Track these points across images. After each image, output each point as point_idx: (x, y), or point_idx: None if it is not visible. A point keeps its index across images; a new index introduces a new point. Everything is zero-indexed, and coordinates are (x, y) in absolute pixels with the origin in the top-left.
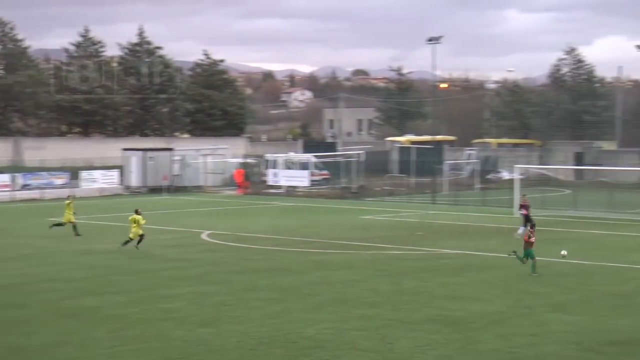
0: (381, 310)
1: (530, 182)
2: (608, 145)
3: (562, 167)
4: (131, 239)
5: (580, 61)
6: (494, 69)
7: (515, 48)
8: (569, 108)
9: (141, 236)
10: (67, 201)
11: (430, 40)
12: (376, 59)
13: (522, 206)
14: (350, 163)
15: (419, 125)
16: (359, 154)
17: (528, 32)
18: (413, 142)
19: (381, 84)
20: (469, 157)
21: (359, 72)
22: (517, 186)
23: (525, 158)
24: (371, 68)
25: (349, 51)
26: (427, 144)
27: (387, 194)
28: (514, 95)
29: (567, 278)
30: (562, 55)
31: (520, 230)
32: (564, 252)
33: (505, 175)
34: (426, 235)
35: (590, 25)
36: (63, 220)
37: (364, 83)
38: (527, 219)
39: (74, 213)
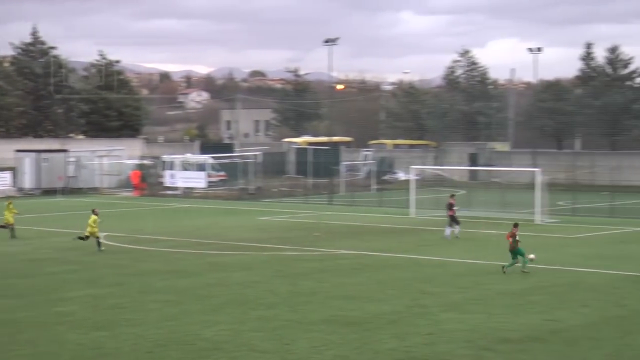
0: (278, 311)
1: (426, 182)
2: (501, 146)
3: (456, 168)
4: (95, 238)
5: (474, 63)
6: (390, 70)
7: (411, 50)
8: (464, 109)
9: (90, 236)
10: (7, 202)
11: (326, 41)
12: (273, 60)
13: (450, 205)
14: (247, 164)
15: (316, 126)
16: (256, 155)
17: (423, 34)
18: (310, 143)
19: (278, 85)
20: (365, 158)
21: (256, 74)
22: (412, 187)
23: (421, 159)
24: (268, 69)
25: (246, 52)
26: (323, 145)
27: (284, 195)
28: (409, 96)
29: (462, 278)
30: (456, 57)
31: (448, 231)
32: (532, 256)
33: (401, 176)
34: (323, 236)
35: (483, 28)
36: (4, 221)
37: (261, 84)
38: (453, 219)
39: (17, 214)
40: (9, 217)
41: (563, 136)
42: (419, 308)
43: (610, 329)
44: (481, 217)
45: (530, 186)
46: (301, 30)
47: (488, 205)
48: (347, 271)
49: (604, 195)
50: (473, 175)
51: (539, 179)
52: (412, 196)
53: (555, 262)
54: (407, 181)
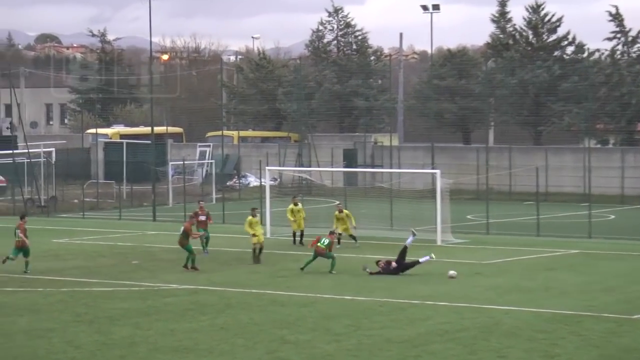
0: None
1: (286, 189)
2: (388, 140)
3: (328, 170)
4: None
5: (349, 26)
6: (234, 35)
7: (262, 7)
8: (336, 90)
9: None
10: None
11: None
12: (70, 20)
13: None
14: (35, 165)
15: (132, 112)
16: (48, 152)
17: None
18: (124, 136)
19: (78, 55)
20: (202, 157)
21: (47, 38)
22: (268, 196)
23: (278, 157)
24: (64, 32)
25: (32, 8)
26: (143, 138)
27: (89, 208)
28: (261, 71)
29: (337, 320)
30: (325, 17)
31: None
32: (452, 273)
33: (251, 180)
34: (144, 265)
35: None
36: None
37: (54, 53)
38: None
39: None
40: None
41: (470, 126)
42: None
43: None
44: (362, 235)
45: (429, 194)
46: None
47: (371, 219)
48: (178, 313)
49: (527, 205)
50: (350, 179)
51: (440, 184)
52: (268, 209)
53: (463, 297)
54: (259, 188)
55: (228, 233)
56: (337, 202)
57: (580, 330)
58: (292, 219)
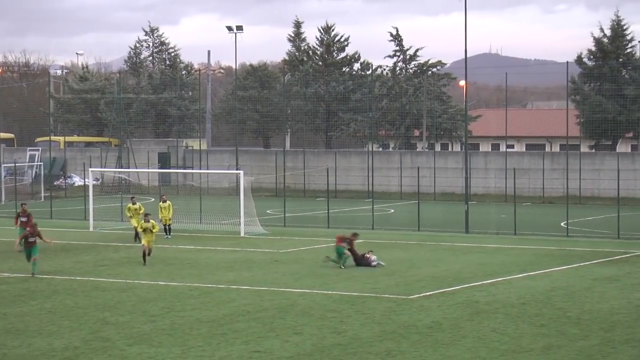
0: None
1: (108, 188)
2: (198, 144)
3: (144, 171)
4: None
5: (163, 44)
6: (61, 51)
7: (86, 27)
8: (151, 100)
9: None
10: None
11: None
12: None
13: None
14: None
15: None
16: None
17: (101, 7)
18: None
19: None
20: (31, 159)
21: None
22: (91, 194)
23: (101, 160)
24: None
25: None
26: None
27: None
28: (84, 83)
29: (152, 303)
30: (141, 36)
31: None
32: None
33: (76, 180)
34: None
35: (175, 2)
36: None
37: None
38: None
39: None
40: None
41: (270, 132)
42: (100, 342)
43: (326, 359)
44: (175, 228)
45: (233, 191)
46: None
47: (183, 214)
48: (10, 299)
49: (319, 201)
50: (165, 178)
51: (243, 183)
52: (91, 205)
53: (263, 282)
54: (83, 187)
55: (55, 227)
56: (163, 194)
57: (365, 310)
58: (129, 215)
